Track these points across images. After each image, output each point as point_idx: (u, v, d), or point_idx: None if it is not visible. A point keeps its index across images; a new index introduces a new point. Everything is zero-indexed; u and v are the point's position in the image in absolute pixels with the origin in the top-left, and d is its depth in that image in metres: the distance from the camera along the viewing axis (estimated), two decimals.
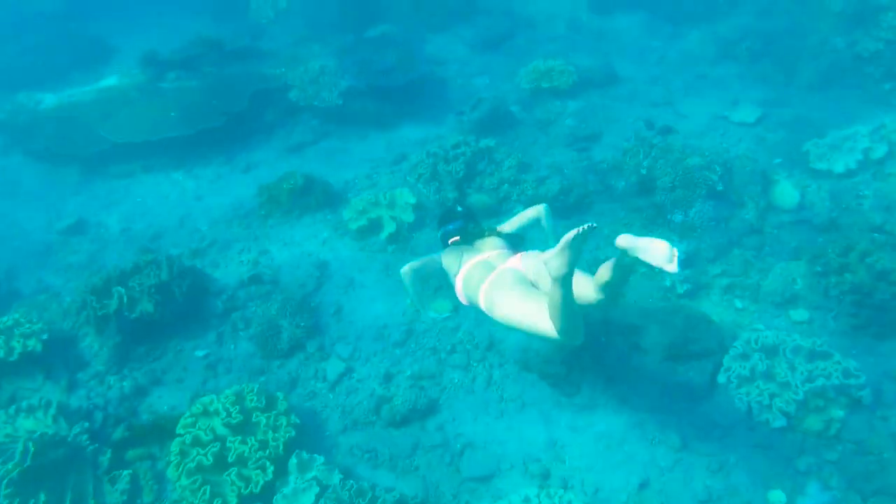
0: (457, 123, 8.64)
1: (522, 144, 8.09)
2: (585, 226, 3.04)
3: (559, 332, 3.32)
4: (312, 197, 7.09)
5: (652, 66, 9.93)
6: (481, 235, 4.50)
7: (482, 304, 4.00)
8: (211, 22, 11.68)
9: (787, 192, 6.44)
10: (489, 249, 4.35)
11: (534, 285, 3.93)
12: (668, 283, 5.62)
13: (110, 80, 9.22)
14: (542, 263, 3.33)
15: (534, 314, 3.54)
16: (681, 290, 5.54)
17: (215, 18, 11.75)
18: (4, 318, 5.56)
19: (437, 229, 4.87)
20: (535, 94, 9.01)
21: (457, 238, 4.58)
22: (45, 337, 5.53)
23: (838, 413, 4.56)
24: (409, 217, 6.64)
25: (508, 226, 4.65)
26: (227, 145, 8.34)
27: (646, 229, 6.37)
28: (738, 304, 5.61)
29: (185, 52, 9.01)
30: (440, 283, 5.54)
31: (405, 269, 4.76)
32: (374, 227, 6.63)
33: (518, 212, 4.89)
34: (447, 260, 4.56)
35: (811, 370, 4.67)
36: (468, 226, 4.62)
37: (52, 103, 8.84)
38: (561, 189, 6.66)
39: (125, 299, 5.59)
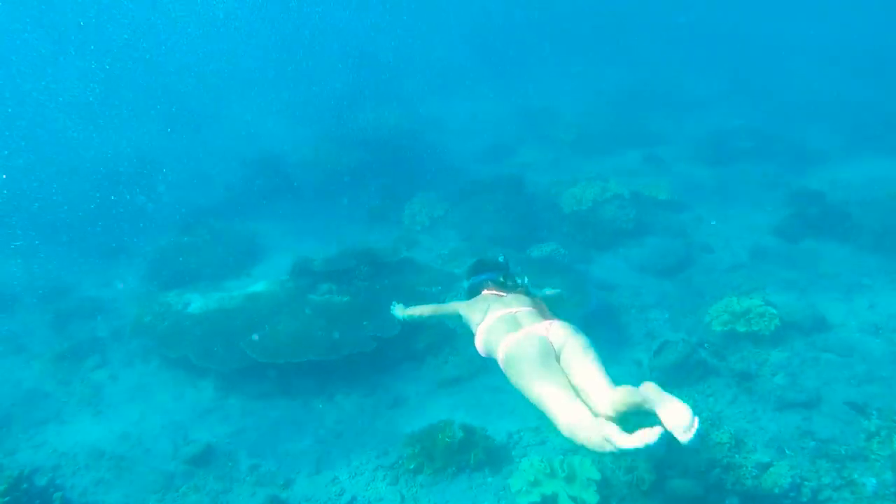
0: (635, 368, 7.84)
1: (720, 405, 7.08)
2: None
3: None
4: (472, 454, 6.31)
5: (865, 309, 8.83)
6: (513, 289, 4.68)
7: (500, 361, 4.18)
8: (364, 225, 11.97)
9: None
10: (517, 305, 4.46)
11: (557, 357, 4.05)
12: None
13: (259, 286, 9.28)
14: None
15: (547, 398, 3.82)
16: None
17: (369, 222, 12.03)
18: None
19: (467, 278, 5.01)
20: (729, 338, 8.11)
21: (491, 290, 4.73)
22: None
23: None
24: (591, 499, 5.65)
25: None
26: (372, 371, 7.90)
27: None
28: None
29: (338, 263, 8.98)
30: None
31: (400, 312, 5.34)
32: None
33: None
34: (470, 308, 4.67)
35: None
36: (502, 278, 4.77)
37: (199, 307, 8.90)
38: (792, 484, 5.49)
39: None
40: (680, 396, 3.59)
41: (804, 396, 7.01)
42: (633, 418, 3.71)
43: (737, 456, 5.90)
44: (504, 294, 4.68)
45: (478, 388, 7.65)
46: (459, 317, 4.87)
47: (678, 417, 3.23)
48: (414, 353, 8.10)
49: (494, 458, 6.41)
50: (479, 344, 4.51)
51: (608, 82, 20.61)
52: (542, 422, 6.98)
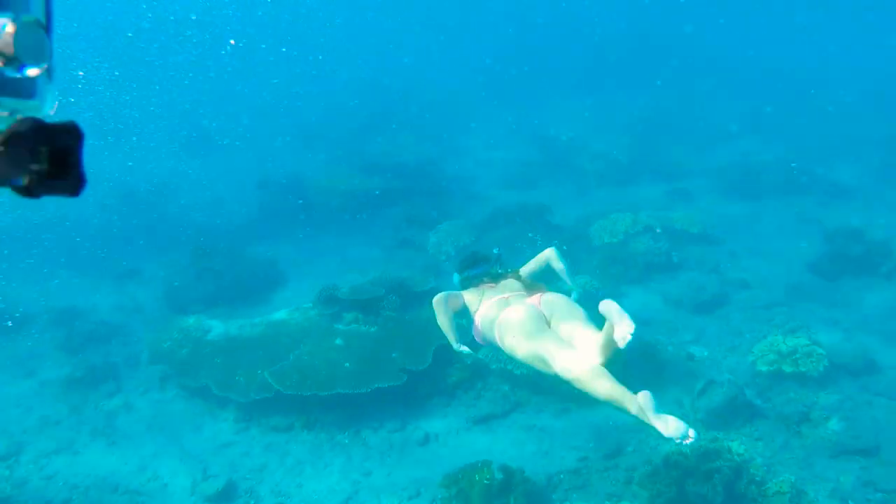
0: (677, 408, 7.52)
1: (771, 450, 6.76)
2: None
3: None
4: (511, 497, 5.99)
5: None
6: (503, 276, 4.94)
7: (497, 338, 4.44)
8: (385, 253, 11.75)
9: None
10: (508, 290, 4.74)
11: (548, 323, 4.34)
12: None
13: (281, 314, 9.03)
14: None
15: (539, 350, 4.10)
16: None
17: (390, 249, 11.81)
18: None
19: (460, 271, 5.21)
20: (774, 379, 7.80)
21: (486, 283, 4.94)
22: None
23: None
24: None
25: (527, 268, 5.10)
26: (402, 406, 7.60)
27: None
28: None
29: (366, 292, 8.72)
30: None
31: (439, 296, 4.90)
32: None
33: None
34: (468, 298, 4.90)
35: None
36: (493, 269, 5.04)
37: (219, 334, 8.66)
38: None
39: None
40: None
41: (861, 443, 6.70)
42: None
43: None
44: (495, 284, 4.92)
45: (513, 426, 7.34)
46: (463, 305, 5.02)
47: (673, 428, 3.63)
48: (444, 387, 7.81)
49: (534, 502, 6.10)
50: (477, 331, 4.79)
51: (630, 113, 20.50)
52: (582, 464, 6.69)
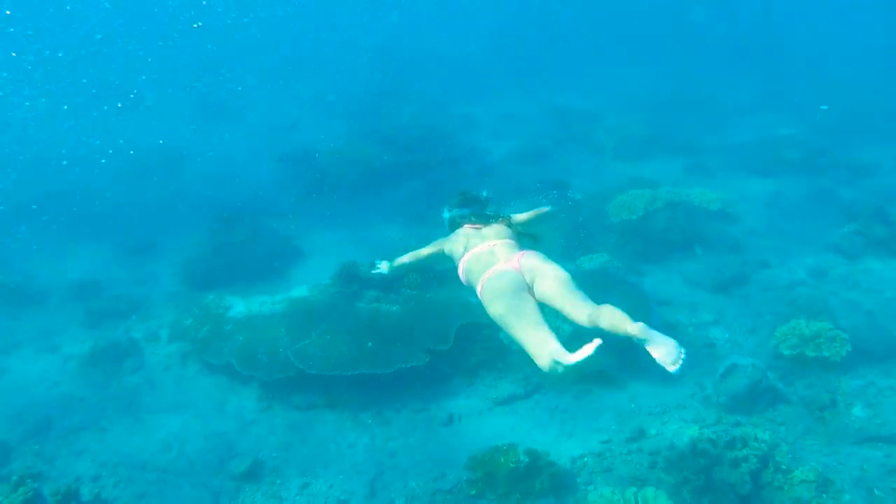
0: (698, 390, 7.54)
1: (793, 435, 6.77)
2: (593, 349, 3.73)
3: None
4: (537, 481, 6.03)
5: None
6: (492, 220, 5.05)
7: (479, 294, 4.61)
8: (401, 227, 11.71)
9: None
10: (495, 238, 4.84)
11: (529, 287, 4.49)
12: None
13: (301, 291, 9.03)
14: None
15: (515, 328, 4.28)
16: None
17: (406, 224, 11.76)
18: None
19: (449, 210, 5.35)
20: (796, 363, 7.78)
21: (471, 224, 5.11)
22: None
23: None
24: None
25: (521, 217, 5.21)
26: (424, 386, 7.63)
27: None
28: None
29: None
30: None
31: (385, 267, 5.64)
32: None
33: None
34: (452, 244, 5.07)
35: None
36: (482, 211, 5.16)
37: (240, 311, 8.66)
38: None
39: None
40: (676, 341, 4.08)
41: (886, 430, 6.69)
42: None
43: (824, 495, 5.61)
44: (481, 227, 5.03)
45: (535, 407, 7.36)
46: (443, 254, 5.25)
47: (668, 354, 3.89)
48: (467, 368, 7.82)
49: (559, 485, 6.13)
50: (462, 277, 4.95)
51: (644, 86, 20.23)
52: (605, 447, 6.71)
